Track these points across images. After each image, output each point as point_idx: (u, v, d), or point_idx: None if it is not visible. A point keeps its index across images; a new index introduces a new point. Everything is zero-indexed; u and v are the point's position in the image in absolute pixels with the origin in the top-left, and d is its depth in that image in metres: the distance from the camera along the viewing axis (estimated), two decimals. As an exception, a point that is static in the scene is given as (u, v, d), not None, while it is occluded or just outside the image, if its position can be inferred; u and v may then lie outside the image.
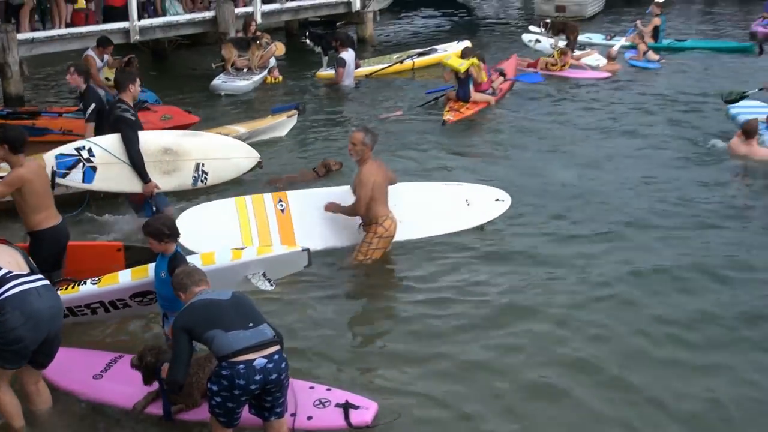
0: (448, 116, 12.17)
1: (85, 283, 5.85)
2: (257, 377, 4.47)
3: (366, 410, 5.00)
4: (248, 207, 7.41)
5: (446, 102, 12.74)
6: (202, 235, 7.04)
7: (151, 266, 5.65)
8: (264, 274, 5.99)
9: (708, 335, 6.14)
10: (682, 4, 25.17)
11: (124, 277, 5.82)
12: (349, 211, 7.27)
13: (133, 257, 6.40)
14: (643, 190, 9.48)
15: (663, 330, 6.18)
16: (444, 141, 11.47)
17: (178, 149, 7.90)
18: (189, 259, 5.74)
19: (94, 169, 7.45)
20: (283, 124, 10.74)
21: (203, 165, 7.99)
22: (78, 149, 7.45)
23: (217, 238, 7.10)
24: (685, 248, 7.86)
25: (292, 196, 7.64)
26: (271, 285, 5.96)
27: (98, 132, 8.09)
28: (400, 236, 7.61)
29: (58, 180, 7.19)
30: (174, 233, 5.49)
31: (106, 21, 13.97)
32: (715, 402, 5.24)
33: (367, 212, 7.20)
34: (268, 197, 7.50)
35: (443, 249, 7.72)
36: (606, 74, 15.30)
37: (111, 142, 7.47)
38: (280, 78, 14.81)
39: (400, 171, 9.92)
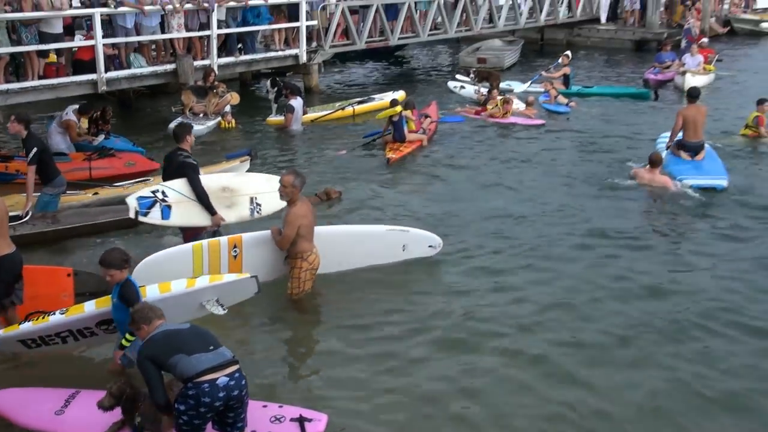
0: (391, 155, 12.46)
1: (54, 313, 5.82)
2: (221, 394, 4.54)
3: (318, 422, 5.10)
4: (204, 251, 7.31)
5: (385, 144, 12.97)
6: (160, 278, 6.98)
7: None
8: (217, 300, 6.03)
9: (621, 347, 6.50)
10: (589, 54, 25.72)
11: (89, 307, 5.85)
12: (279, 243, 7.23)
13: (82, 282, 6.42)
14: (561, 218, 9.76)
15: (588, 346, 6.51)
16: (387, 177, 11.75)
17: (233, 187, 8.23)
18: (148, 288, 5.84)
19: (169, 207, 7.73)
20: (236, 169, 10.74)
21: (256, 198, 8.22)
22: (154, 192, 7.82)
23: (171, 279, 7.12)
24: (602, 268, 8.24)
25: (247, 241, 7.50)
26: (224, 310, 6.03)
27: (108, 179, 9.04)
28: (341, 270, 7.77)
29: (141, 218, 7.68)
30: (128, 263, 5.58)
31: (75, 73, 13.85)
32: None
33: (293, 247, 7.16)
34: (224, 243, 7.39)
35: (378, 282, 7.84)
36: (541, 121, 15.27)
37: (179, 184, 7.83)
38: (233, 123, 14.84)
39: (346, 207, 10.21)
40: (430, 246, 8.18)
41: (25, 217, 8.56)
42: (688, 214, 10.03)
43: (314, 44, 18.25)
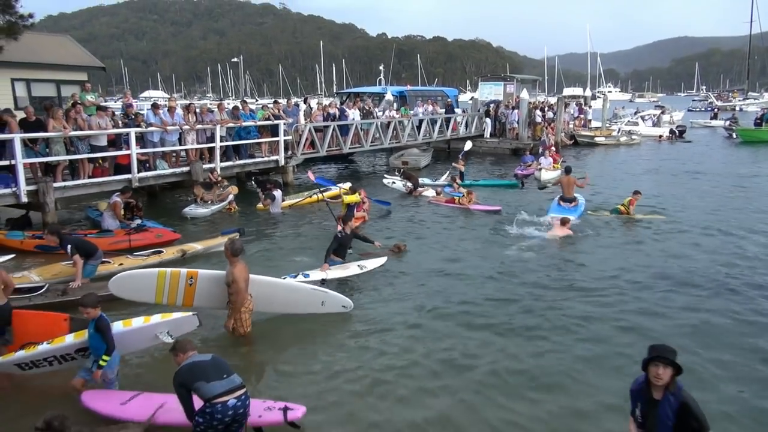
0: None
1: (42, 344, 5.86)
2: (230, 412, 4.57)
3: (298, 410, 5.15)
4: (167, 277, 7.09)
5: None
6: (128, 290, 7.05)
7: (87, 330, 5.70)
8: (168, 332, 6.05)
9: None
10: (480, 158, 26.49)
11: (70, 338, 5.88)
12: (240, 298, 6.87)
13: (76, 324, 6.24)
14: (476, 274, 9.77)
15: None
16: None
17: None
18: (114, 323, 5.84)
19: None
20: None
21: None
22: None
23: (137, 293, 7.10)
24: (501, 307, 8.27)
25: (202, 276, 7.18)
26: (172, 339, 5.96)
27: None
28: (273, 312, 7.66)
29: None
30: (100, 303, 5.64)
31: (116, 174, 13.77)
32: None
33: (237, 296, 6.84)
34: (183, 272, 7.15)
35: (299, 323, 7.63)
36: (498, 207, 14.77)
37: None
38: (236, 208, 14.85)
39: (299, 263, 10.14)
40: (343, 306, 7.97)
41: (42, 290, 8.19)
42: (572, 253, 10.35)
43: (290, 152, 18.50)
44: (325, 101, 31.94)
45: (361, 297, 8.66)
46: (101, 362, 5.49)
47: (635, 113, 44.03)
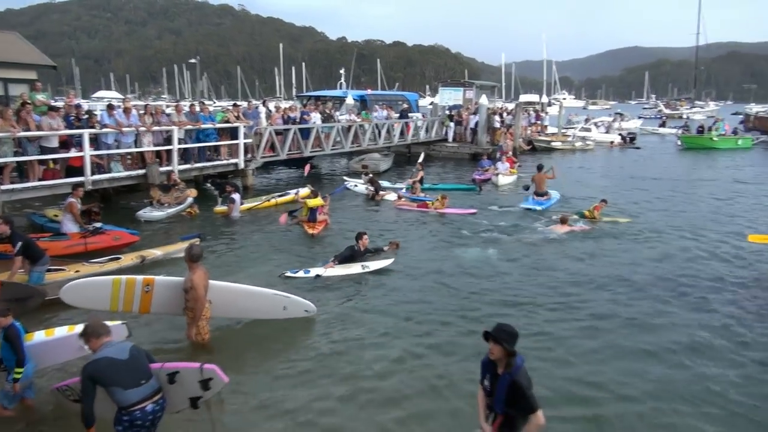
0: (312, 231, 12.52)
1: None
2: (150, 417, 4.48)
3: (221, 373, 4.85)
4: (122, 284, 6.94)
5: (299, 222, 13.06)
6: (81, 299, 6.88)
7: None
8: None
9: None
10: (440, 162, 26.73)
11: None
12: (198, 308, 6.73)
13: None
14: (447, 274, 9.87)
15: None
16: (310, 248, 11.64)
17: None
18: (36, 333, 5.64)
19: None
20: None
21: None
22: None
23: (91, 301, 6.92)
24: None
25: (159, 282, 7.06)
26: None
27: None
28: (235, 317, 7.58)
29: None
30: (10, 311, 5.29)
31: (67, 176, 13.30)
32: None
33: (197, 303, 6.69)
34: (139, 280, 7.02)
35: (261, 329, 7.61)
36: (474, 210, 15.11)
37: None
38: (197, 211, 14.54)
39: (267, 271, 10.04)
40: (306, 311, 7.84)
41: None
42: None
43: (249, 155, 18.27)
44: (284, 104, 31.66)
45: (351, 300, 8.67)
46: (15, 375, 5.18)
47: (586, 120, 45.33)
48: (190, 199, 14.64)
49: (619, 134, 39.35)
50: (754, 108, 56.47)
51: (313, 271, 9.63)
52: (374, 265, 9.99)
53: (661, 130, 49.44)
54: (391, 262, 10.20)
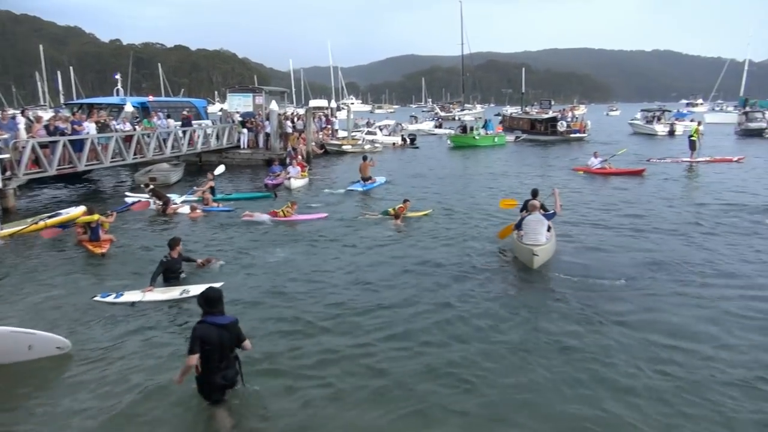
0: (100, 251, 11.66)
1: None
2: None
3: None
4: None
5: (79, 242, 12.10)
6: None
7: None
8: None
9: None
10: (235, 170, 25.89)
11: None
12: None
13: None
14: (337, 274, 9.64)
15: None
16: (97, 271, 10.71)
17: None
18: None
19: None
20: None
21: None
22: None
23: None
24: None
25: None
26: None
27: None
28: None
29: None
30: None
31: None
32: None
33: None
34: None
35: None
36: (324, 215, 15.22)
37: None
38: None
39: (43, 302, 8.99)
40: (58, 347, 6.90)
41: None
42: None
43: (8, 173, 15.95)
44: (44, 114, 28.12)
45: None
46: None
47: (366, 123, 48.57)
48: None
49: (401, 136, 42.73)
50: (509, 110, 65.39)
51: (128, 296, 8.78)
52: (195, 289, 8.89)
53: (438, 130, 54.74)
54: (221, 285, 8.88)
